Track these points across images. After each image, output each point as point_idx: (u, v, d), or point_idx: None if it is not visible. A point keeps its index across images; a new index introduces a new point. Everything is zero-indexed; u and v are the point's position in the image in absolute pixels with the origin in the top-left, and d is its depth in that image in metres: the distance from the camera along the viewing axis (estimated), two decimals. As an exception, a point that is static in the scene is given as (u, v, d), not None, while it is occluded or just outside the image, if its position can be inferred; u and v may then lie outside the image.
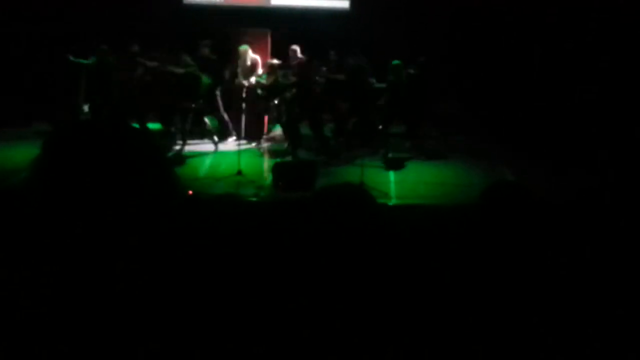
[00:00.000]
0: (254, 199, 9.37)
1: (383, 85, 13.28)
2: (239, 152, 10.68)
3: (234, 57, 13.63)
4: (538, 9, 14.69)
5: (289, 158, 11.64)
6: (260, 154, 12.15)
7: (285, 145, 12.41)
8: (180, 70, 12.23)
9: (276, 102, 13.22)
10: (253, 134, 12.82)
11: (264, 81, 12.93)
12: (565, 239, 2.76)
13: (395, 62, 12.28)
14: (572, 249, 2.73)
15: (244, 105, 12.62)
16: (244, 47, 13.42)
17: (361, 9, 15.61)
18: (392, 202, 9.51)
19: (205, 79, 12.44)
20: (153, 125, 12.56)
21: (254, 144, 12.85)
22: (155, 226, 1.80)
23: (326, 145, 12.13)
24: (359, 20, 15.44)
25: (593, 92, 13.76)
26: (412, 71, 12.52)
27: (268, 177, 10.38)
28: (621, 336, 2.38)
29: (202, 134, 12.86)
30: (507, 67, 14.66)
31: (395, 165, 11.55)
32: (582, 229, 3.11)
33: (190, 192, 8.34)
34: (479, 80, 14.65)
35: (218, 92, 13.21)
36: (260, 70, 13.34)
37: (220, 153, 12.05)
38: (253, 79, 13.16)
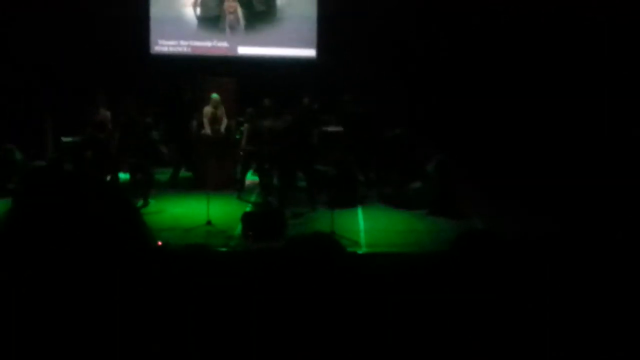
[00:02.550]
0: (224, 249, 9.30)
1: (339, 128, 13.40)
2: (207, 202, 10.61)
3: (202, 105, 13.59)
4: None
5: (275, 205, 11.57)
6: (229, 203, 12.03)
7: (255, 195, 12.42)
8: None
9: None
10: (222, 183, 12.68)
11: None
12: (538, 283, 2.78)
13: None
14: (546, 293, 2.74)
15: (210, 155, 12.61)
16: (217, 96, 13.33)
17: (328, 57, 15.76)
18: (362, 250, 9.49)
19: None
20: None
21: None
22: (126, 276, 1.79)
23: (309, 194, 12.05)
24: (325, 68, 15.57)
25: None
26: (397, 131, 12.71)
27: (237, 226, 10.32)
28: None
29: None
30: (474, 114, 14.78)
31: (364, 213, 11.58)
32: (555, 270, 3.12)
33: (160, 242, 8.22)
34: (446, 125, 14.73)
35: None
36: (225, 120, 13.31)
37: (189, 203, 11.96)
38: (222, 128, 13.17)
